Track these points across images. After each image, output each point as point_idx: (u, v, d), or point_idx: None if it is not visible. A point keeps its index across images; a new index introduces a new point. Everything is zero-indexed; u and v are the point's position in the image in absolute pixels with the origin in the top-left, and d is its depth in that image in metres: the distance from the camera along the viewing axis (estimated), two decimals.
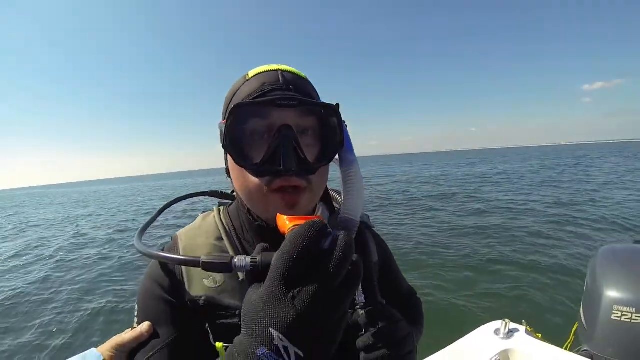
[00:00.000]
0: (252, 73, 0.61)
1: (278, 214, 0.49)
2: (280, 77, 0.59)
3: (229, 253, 0.65)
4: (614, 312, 1.95)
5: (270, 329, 0.35)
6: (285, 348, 0.35)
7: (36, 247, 11.17)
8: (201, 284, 0.62)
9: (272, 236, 0.55)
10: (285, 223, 0.45)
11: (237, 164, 0.56)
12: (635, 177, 18.52)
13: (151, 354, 0.60)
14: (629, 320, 1.88)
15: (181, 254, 0.64)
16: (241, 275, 0.62)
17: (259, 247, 0.45)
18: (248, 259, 0.43)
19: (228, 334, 0.56)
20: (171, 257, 0.56)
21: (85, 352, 0.66)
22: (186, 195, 0.90)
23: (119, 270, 7.57)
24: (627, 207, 10.57)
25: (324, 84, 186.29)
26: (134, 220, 15.98)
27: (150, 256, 0.60)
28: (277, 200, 0.56)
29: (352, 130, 0.59)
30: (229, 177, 0.64)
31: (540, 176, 22.30)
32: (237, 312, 0.59)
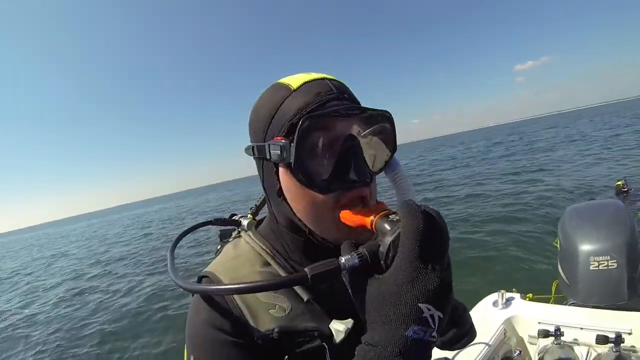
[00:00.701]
0: (295, 83, 0.56)
1: (343, 211, 0.52)
2: (331, 86, 0.56)
3: (281, 277, 0.60)
4: (591, 263, 2.12)
5: (419, 304, 0.38)
6: (432, 316, 0.38)
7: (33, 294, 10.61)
8: (269, 316, 0.56)
9: (323, 253, 0.55)
10: (364, 218, 0.48)
11: (307, 184, 0.52)
12: (576, 143, 20.30)
13: None
14: (606, 267, 2.06)
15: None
16: (305, 297, 0.58)
17: (346, 244, 0.45)
18: (354, 254, 0.42)
19: None
20: (269, 284, 0.47)
21: None
22: (192, 227, 0.85)
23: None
24: (576, 166, 11.77)
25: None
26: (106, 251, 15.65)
27: (228, 291, 0.48)
28: (351, 218, 0.52)
29: None
30: (282, 199, 0.58)
31: (494, 153, 23.91)
32: (316, 334, 0.55)
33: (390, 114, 0.57)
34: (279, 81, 0.59)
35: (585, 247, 2.19)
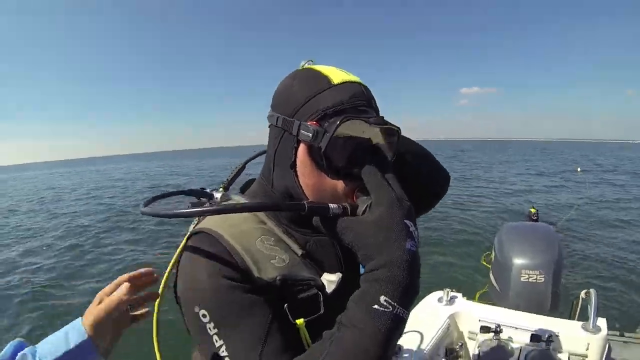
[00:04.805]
0: (335, 78, 0.63)
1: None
2: (364, 91, 0.63)
3: (276, 234, 0.66)
4: (522, 275, 2.40)
5: (405, 220, 0.50)
6: (414, 232, 0.51)
7: None
8: (271, 266, 0.60)
9: (307, 222, 0.62)
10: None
11: (325, 168, 0.60)
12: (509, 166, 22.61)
13: (262, 346, 0.54)
14: (535, 281, 2.35)
15: (230, 242, 0.60)
16: (299, 252, 0.65)
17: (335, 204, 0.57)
18: (340, 205, 0.57)
19: (306, 308, 0.59)
20: (271, 205, 0.62)
21: (68, 327, 0.60)
22: (165, 194, 0.82)
23: None
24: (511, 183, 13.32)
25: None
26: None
27: (236, 209, 0.57)
28: (348, 201, 0.61)
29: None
30: (293, 171, 0.64)
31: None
32: (312, 283, 0.61)
33: (400, 130, 0.65)
34: (316, 68, 0.66)
35: (518, 261, 2.45)
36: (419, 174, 0.77)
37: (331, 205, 0.56)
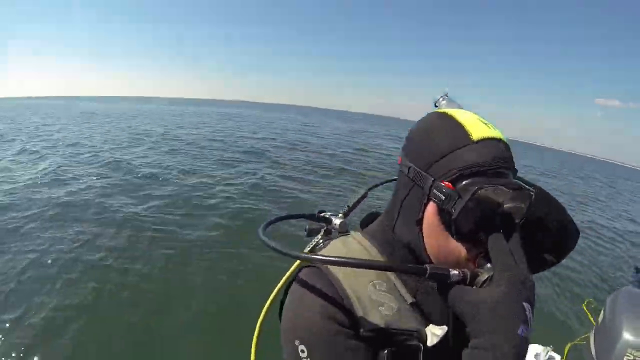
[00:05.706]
0: (475, 134, 0.59)
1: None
2: (505, 152, 0.59)
3: (389, 277, 0.64)
4: (627, 354, 2.18)
5: (524, 303, 0.49)
6: (530, 317, 0.49)
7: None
8: (378, 313, 0.59)
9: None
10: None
11: (454, 234, 0.58)
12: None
13: None
14: None
15: (343, 285, 0.60)
16: (409, 299, 0.63)
17: (444, 268, 0.57)
18: (460, 271, 0.56)
19: (402, 358, 0.58)
20: (392, 265, 0.61)
21: None
22: (285, 217, 0.87)
23: None
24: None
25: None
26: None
27: (357, 264, 0.56)
28: (469, 266, 0.60)
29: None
30: (419, 228, 0.63)
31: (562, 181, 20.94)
32: (415, 334, 0.59)
33: (534, 194, 0.60)
34: (455, 116, 0.62)
35: (628, 336, 2.21)
36: (547, 229, 0.73)
37: (452, 272, 0.55)
